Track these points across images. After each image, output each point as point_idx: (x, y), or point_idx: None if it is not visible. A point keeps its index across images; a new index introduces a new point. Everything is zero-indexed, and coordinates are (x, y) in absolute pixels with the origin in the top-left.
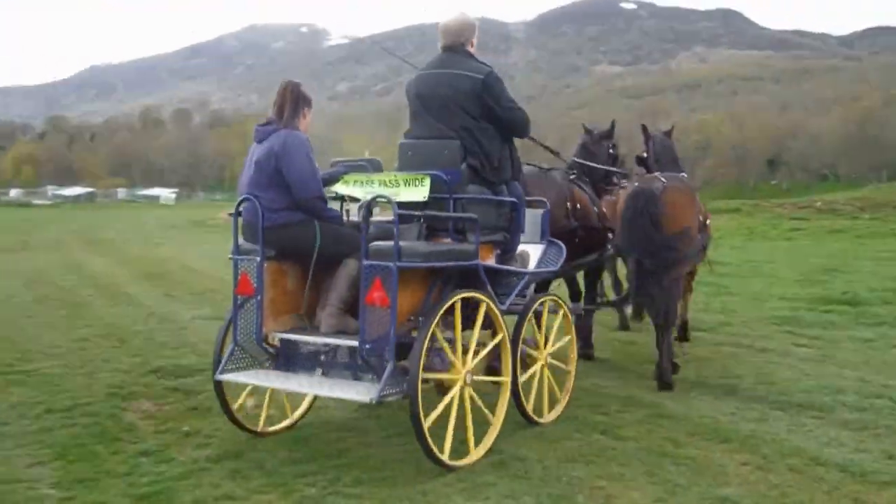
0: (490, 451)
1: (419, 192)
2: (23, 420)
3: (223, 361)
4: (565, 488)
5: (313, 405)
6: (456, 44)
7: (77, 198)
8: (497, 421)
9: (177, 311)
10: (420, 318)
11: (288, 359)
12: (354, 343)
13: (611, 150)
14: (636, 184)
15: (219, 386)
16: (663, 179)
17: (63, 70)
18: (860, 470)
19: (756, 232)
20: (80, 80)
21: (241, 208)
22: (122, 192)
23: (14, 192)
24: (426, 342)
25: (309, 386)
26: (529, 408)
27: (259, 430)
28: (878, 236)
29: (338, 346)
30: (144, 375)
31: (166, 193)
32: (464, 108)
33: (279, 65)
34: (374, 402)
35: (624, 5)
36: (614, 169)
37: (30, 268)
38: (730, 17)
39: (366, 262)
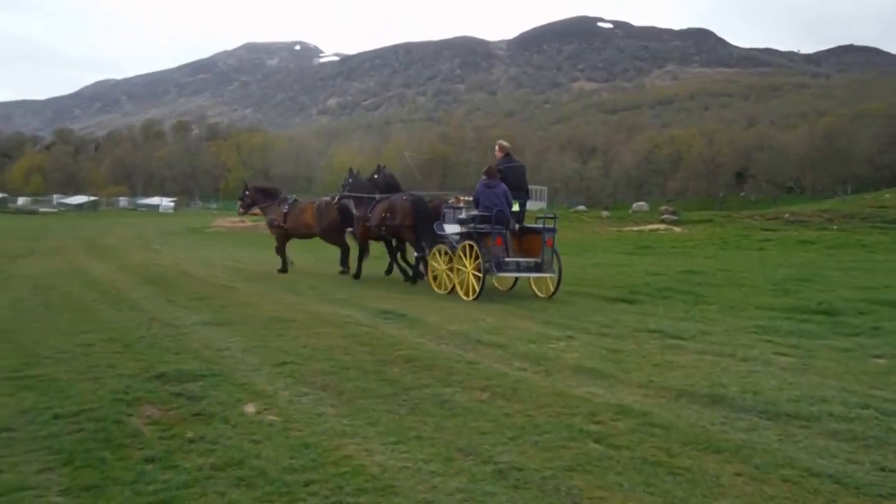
0: (487, 460)
1: (515, 207)
2: (31, 425)
3: (492, 268)
4: (565, 499)
5: None
6: (511, 152)
7: (81, 206)
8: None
9: (178, 316)
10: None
11: (512, 268)
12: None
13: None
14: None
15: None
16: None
17: (71, 85)
18: (854, 482)
19: (729, 242)
20: (86, 95)
21: (494, 213)
22: (123, 201)
23: (22, 201)
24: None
25: (528, 275)
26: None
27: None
28: (845, 247)
29: (530, 262)
30: (149, 381)
31: (165, 202)
32: (524, 177)
33: (273, 81)
34: (555, 274)
35: (601, 25)
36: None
37: (36, 273)
38: (702, 37)
39: (546, 233)
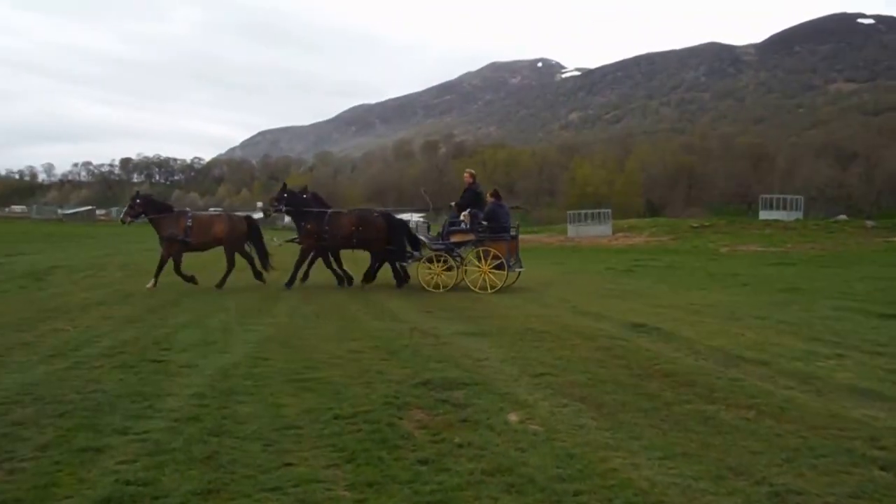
0: (761, 481)
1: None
2: (315, 424)
3: (511, 266)
4: None
5: None
6: (476, 178)
7: None
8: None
9: (436, 326)
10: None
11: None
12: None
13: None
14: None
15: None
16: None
17: (330, 111)
18: None
19: None
20: (343, 119)
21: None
22: None
23: (288, 218)
24: None
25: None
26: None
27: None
28: None
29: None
30: (415, 387)
31: (416, 217)
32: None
33: (515, 98)
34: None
35: (861, 21)
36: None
37: (306, 284)
38: None
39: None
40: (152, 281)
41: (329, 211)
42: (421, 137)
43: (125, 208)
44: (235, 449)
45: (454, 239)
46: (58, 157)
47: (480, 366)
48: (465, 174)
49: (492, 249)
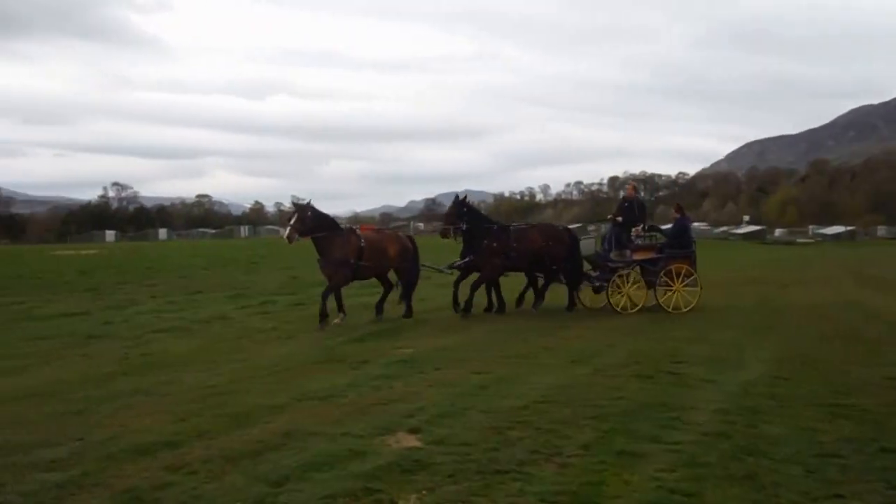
0: None
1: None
2: (860, 455)
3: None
4: None
5: None
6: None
7: (837, 236)
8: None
9: None
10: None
11: None
12: None
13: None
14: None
15: None
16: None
17: (824, 115)
18: None
19: None
20: (840, 124)
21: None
22: (881, 230)
23: (778, 232)
24: None
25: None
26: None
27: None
28: None
29: None
30: None
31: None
32: None
33: None
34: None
35: None
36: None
37: (808, 303)
38: None
39: None
40: (340, 315)
41: (513, 225)
42: None
43: (292, 223)
44: (774, 471)
45: (636, 256)
46: (553, 178)
47: None
48: (629, 186)
49: (683, 267)
